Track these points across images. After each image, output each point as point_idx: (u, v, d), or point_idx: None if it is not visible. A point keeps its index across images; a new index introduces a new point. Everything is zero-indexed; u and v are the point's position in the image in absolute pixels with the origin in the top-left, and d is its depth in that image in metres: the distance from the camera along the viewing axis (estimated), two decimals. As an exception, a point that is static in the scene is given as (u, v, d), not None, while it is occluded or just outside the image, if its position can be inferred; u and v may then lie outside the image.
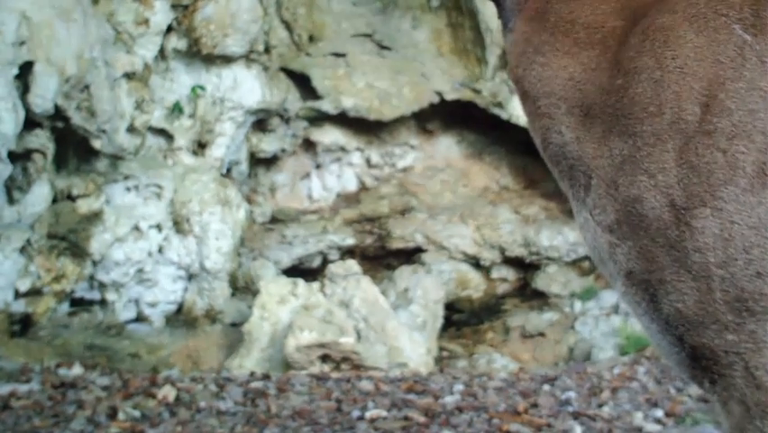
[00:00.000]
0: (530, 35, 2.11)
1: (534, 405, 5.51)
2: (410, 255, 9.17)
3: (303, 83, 9.42)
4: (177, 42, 8.60)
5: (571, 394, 5.76)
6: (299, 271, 8.78)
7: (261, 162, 9.51)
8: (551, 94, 2.01)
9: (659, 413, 5.31)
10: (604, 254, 1.89)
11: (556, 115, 1.99)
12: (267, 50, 9.10)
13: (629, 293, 1.87)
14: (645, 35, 1.87)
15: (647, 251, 1.80)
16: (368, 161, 9.80)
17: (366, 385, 6.08)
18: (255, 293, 7.79)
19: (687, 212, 1.75)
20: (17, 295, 7.24)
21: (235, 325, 8.00)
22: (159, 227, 8.14)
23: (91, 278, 7.80)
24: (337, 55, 9.54)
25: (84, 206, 7.70)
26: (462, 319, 8.89)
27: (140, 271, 8.02)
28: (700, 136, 1.76)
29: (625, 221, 1.83)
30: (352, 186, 9.79)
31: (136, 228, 8.00)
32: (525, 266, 9.17)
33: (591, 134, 1.91)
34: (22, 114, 6.93)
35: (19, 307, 7.27)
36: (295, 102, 9.33)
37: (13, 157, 7.01)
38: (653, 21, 1.87)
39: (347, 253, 9.02)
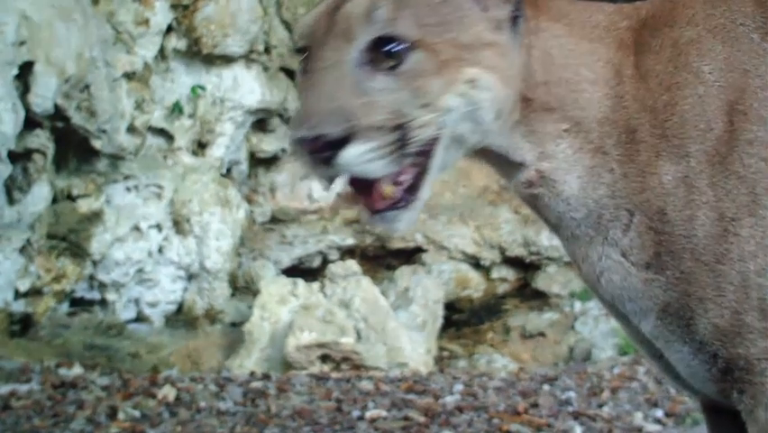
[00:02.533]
0: (565, 39, 1.90)
1: (535, 405, 5.51)
2: (410, 255, 9.17)
3: (303, 83, 9.41)
4: (177, 42, 8.60)
5: (571, 394, 5.76)
6: (299, 271, 8.77)
7: (261, 162, 9.50)
8: (605, 121, 1.88)
9: (659, 413, 5.31)
10: (635, 294, 1.89)
11: (608, 148, 1.88)
12: (267, 50, 9.09)
13: (662, 325, 1.88)
14: (678, 49, 1.86)
15: (689, 273, 1.82)
16: (368, 161, 9.80)
17: (366, 385, 6.09)
18: (255, 293, 7.79)
19: (736, 222, 1.78)
20: (17, 295, 7.23)
21: (235, 325, 8.00)
22: (159, 227, 8.14)
23: (91, 278, 7.80)
24: (337, 55, 9.54)
25: (84, 206, 7.70)
26: (462, 319, 8.89)
27: (140, 271, 8.02)
28: (744, 146, 1.79)
29: (666, 250, 1.83)
30: (352, 186, 9.78)
31: (136, 228, 8.00)
32: (525, 266, 9.17)
33: (637, 165, 1.86)
34: (22, 114, 6.92)
35: (19, 307, 7.27)
36: (295, 102, 9.32)
37: (13, 157, 7.01)
38: (681, 33, 1.87)
39: (347, 253, 9.02)
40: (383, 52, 1.73)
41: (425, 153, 1.75)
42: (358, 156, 1.66)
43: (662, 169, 1.84)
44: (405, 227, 1.76)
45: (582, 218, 1.91)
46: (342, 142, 1.66)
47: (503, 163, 1.94)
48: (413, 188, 1.76)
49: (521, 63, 1.85)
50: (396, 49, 1.72)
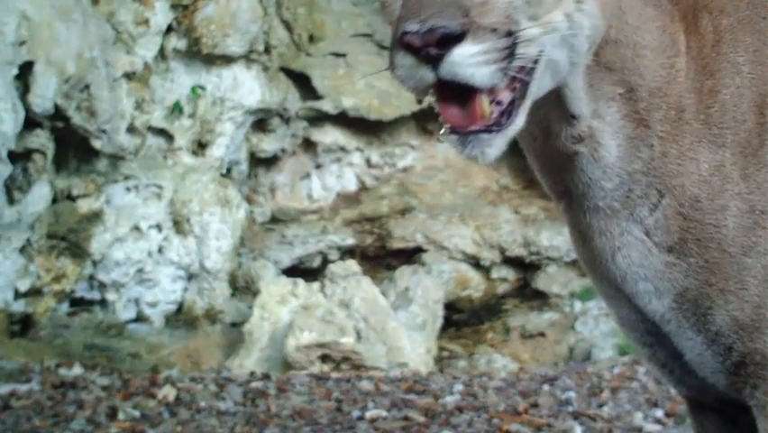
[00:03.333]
0: (635, 1, 1.85)
1: (535, 405, 5.51)
2: (410, 255, 9.17)
3: (303, 83, 9.41)
4: (177, 42, 8.60)
5: (571, 394, 5.76)
6: (299, 271, 8.77)
7: (261, 162, 9.50)
8: (656, 92, 1.84)
9: (659, 413, 5.31)
10: (653, 274, 1.87)
11: (653, 122, 1.84)
12: (267, 50, 9.09)
13: (677, 309, 1.86)
14: (719, 36, 1.85)
15: (713, 263, 1.81)
16: (368, 161, 9.80)
17: (366, 385, 6.08)
18: (255, 293, 7.79)
19: (765, 216, 1.78)
20: (17, 295, 7.24)
21: (235, 325, 8.00)
22: (159, 227, 8.14)
23: (91, 278, 7.80)
24: (337, 55, 9.54)
25: (84, 206, 7.70)
26: (462, 319, 8.89)
27: (140, 271, 8.02)
28: None
29: (693, 238, 1.82)
30: (351, 186, 9.78)
31: (136, 228, 8.00)
32: (525, 266, 9.17)
33: (678, 147, 1.84)
34: (22, 114, 6.92)
35: (19, 307, 7.27)
36: (295, 102, 9.32)
37: (13, 157, 7.01)
38: (719, 21, 1.86)
39: (347, 253, 9.02)
40: None
41: (524, 76, 1.65)
42: (470, 56, 1.55)
43: (702, 156, 1.83)
44: (495, 155, 1.64)
45: (612, 189, 1.86)
46: (456, 39, 1.54)
47: (558, 113, 1.84)
48: (508, 114, 1.65)
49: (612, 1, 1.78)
50: None
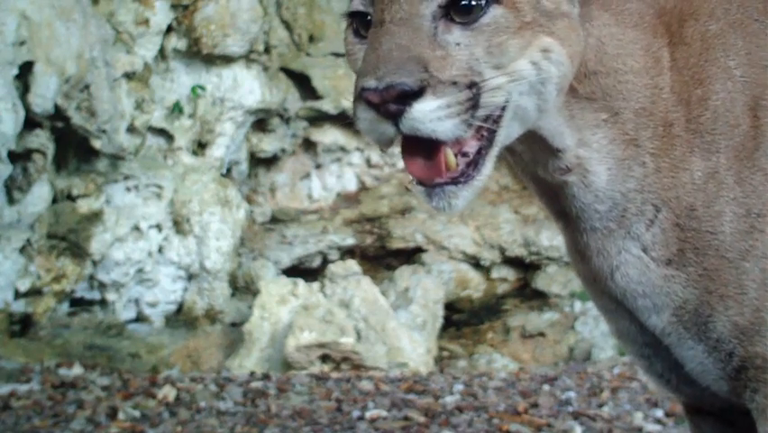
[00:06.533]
0: (615, 29, 1.84)
1: (535, 405, 5.51)
2: (410, 255, 9.17)
3: (303, 83, 9.41)
4: (177, 42, 8.60)
5: (571, 394, 5.76)
6: (299, 271, 8.77)
7: (261, 162, 9.50)
8: (642, 112, 1.84)
9: (659, 413, 5.31)
10: (652, 289, 1.87)
11: (642, 141, 1.84)
12: (267, 50, 9.09)
13: (677, 322, 1.87)
14: (707, 43, 1.85)
15: (713, 270, 1.81)
16: (368, 161, 9.80)
17: (366, 385, 6.09)
18: (255, 293, 7.80)
19: (761, 219, 1.79)
20: (17, 295, 7.23)
21: (235, 325, 8.00)
22: (159, 227, 8.14)
23: (91, 278, 7.80)
24: (337, 55, 9.54)
25: (84, 206, 7.70)
26: (462, 319, 8.89)
27: (140, 271, 8.02)
28: None
29: (691, 247, 1.82)
30: (351, 186, 9.78)
31: (136, 228, 8.00)
32: (525, 266, 9.17)
33: (671, 160, 1.84)
34: (22, 114, 6.92)
35: (19, 307, 7.27)
36: (295, 102, 9.32)
37: (13, 157, 7.01)
38: (707, 27, 1.86)
39: (347, 253, 9.02)
40: (462, 6, 1.62)
41: (491, 125, 1.64)
42: (430, 112, 1.55)
43: (694, 165, 1.82)
44: (462, 206, 1.63)
45: (606, 211, 1.87)
46: (415, 94, 1.54)
47: (542, 149, 1.85)
48: (474, 164, 1.64)
49: (582, 47, 1.78)
50: (476, 1, 1.63)
